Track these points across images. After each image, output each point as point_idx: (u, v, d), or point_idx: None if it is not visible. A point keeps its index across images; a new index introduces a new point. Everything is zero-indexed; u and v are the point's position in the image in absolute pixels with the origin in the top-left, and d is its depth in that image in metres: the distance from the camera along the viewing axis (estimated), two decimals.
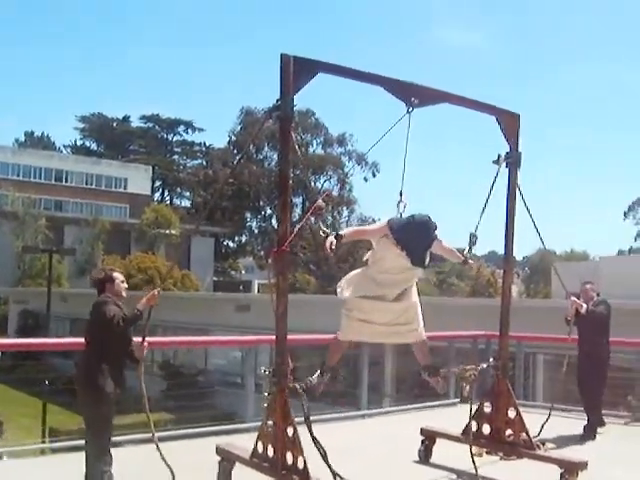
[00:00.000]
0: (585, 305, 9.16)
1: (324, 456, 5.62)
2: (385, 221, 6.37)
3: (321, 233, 6.21)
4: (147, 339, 6.26)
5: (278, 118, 5.71)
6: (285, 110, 5.68)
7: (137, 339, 6.20)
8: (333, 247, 5.97)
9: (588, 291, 9.49)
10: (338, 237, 6.01)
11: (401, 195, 6.46)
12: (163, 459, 6.07)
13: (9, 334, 48.42)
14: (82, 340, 6.24)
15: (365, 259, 6.66)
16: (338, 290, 6.61)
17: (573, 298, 9.16)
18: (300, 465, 5.58)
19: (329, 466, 5.62)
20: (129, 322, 5.88)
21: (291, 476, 5.65)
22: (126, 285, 6.23)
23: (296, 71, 5.63)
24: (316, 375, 6.34)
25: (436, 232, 6.39)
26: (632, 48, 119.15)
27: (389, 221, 6.31)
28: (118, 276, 6.16)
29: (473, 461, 6.70)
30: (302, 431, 5.66)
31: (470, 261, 6.93)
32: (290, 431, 5.67)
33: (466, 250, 6.82)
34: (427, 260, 6.43)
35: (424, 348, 6.75)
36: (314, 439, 5.67)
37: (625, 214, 77.22)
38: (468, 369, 7.09)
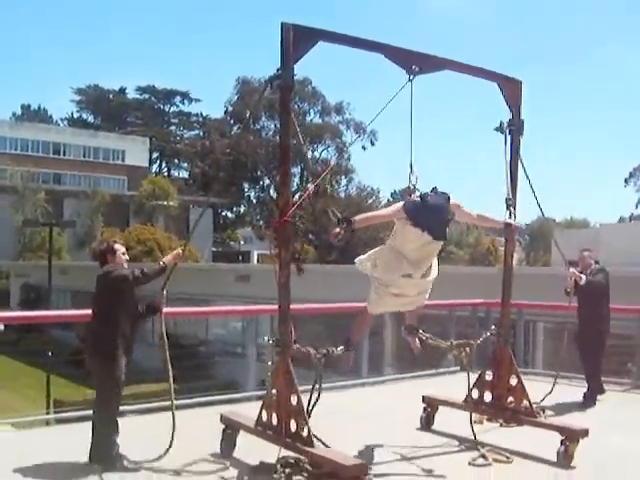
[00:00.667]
0: (584, 277, 9.18)
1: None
2: (400, 205, 6.26)
3: (332, 217, 6.08)
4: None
5: (279, 87, 5.68)
6: (286, 79, 5.64)
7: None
8: (340, 237, 5.79)
9: (586, 258, 9.51)
10: (349, 224, 5.83)
11: (411, 167, 6.47)
12: (173, 428, 6.09)
13: (11, 307, 48.62)
14: (85, 312, 6.27)
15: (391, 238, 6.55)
16: (359, 265, 6.57)
17: (572, 270, 9.17)
18: (304, 433, 5.63)
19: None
20: (153, 273, 6.00)
21: (295, 443, 5.71)
22: (127, 257, 6.26)
23: (296, 40, 5.59)
24: (340, 348, 6.35)
25: (452, 202, 6.36)
26: (633, 30, 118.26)
27: (404, 206, 6.21)
28: (119, 247, 6.21)
29: (472, 428, 6.78)
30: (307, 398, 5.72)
31: (514, 222, 6.81)
32: (294, 399, 5.72)
33: (506, 215, 6.77)
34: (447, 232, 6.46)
35: (417, 311, 6.87)
36: (310, 403, 5.80)
37: (626, 181, 77.04)
38: (461, 344, 7.12)
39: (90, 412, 6.85)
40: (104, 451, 5.87)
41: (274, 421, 5.94)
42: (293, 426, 5.74)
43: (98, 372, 6.07)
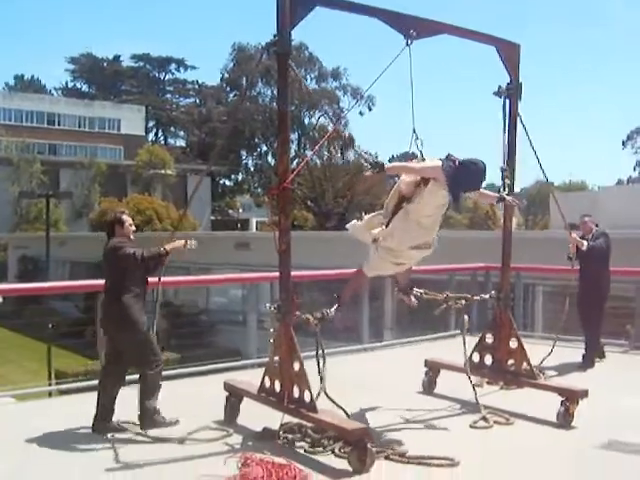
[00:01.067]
0: (585, 242, 9.22)
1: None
2: (438, 163, 6.08)
3: (364, 162, 6.05)
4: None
5: (275, 53, 5.64)
6: (283, 45, 5.60)
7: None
8: (369, 180, 5.88)
9: (587, 223, 9.56)
10: (381, 169, 5.81)
11: (414, 132, 6.40)
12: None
13: (9, 280, 48.64)
14: (86, 282, 6.31)
15: (391, 202, 6.38)
16: (353, 231, 6.51)
17: (574, 235, 9.22)
18: (307, 398, 5.68)
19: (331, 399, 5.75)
20: (151, 258, 6.02)
21: (298, 409, 5.76)
22: (134, 227, 6.29)
23: (293, 5, 5.54)
24: (334, 308, 6.36)
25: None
26: None
27: (443, 165, 6.05)
28: (127, 218, 6.25)
29: (474, 391, 6.85)
30: (309, 365, 5.77)
31: (508, 197, 6.80)
32: (296, 365, 5.76)
33: (501, 188, 6.76)
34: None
35: (410, 271, 6.86)
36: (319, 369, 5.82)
37: (624, 143, 76.92)
38: (457, 296, 7.15)
39: (91, 382, 6.92)
40: (148, 417, 6.02)
41: (277, 388, 5.99)
42: (296, 392, 5.79)
43: (129, 341, 6.14)
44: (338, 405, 5.83)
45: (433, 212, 6.18)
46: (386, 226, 6.27)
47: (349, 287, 6.69)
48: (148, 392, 6.05)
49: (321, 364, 5.88)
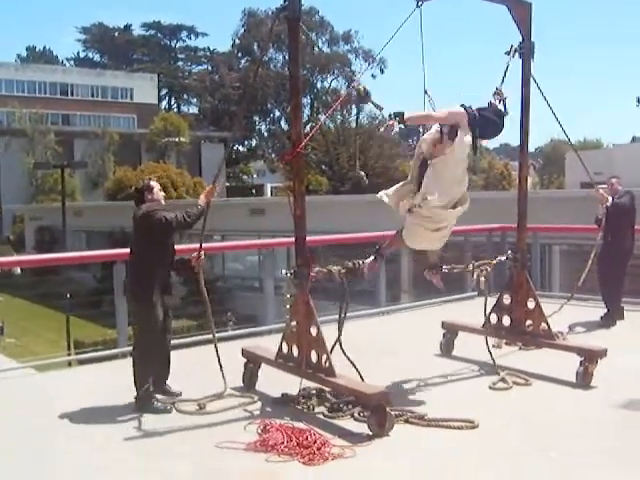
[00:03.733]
0: (610, 197, 9.17)
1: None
2: (460, 109, 6.09)
3: (379, 112, 6.04)
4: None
5: (286, 19, 5.58)
6: (293, 10, 5.55)
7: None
8: (393, 131, 5.88)
9: (615, 184, 9.49)
10: (401, 119, 5.76)
11: (426, 93, 6.36)
12: (220, 363, 6.17)
13: (27, 250, 48.98)
14: (103, 252, 6.31)
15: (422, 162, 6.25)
16: (385, 198, 6.39)
17: (601, 191, 9.15)
18: (325, 363, 5.69)
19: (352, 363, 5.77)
20: (195, 217, 5.99)
21: (316, 374, 5.78)
22: (163, 193, 6.26)
23: None
24: (370, 259, 6.38)
25: None
26: None
27: (466, 109, 6.07)
28: (155, 185, 6.21)
29: (490, 352, 6.87)
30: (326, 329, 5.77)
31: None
32: (314, 330, 5.76)
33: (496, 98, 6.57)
34: None
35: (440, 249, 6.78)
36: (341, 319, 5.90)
37: (638, 100, 75.84)
38: (480, 264, 7.13)
39: (110, 352, 6.97)
40: (137, 389, 5.97)
41: (295, 353, 6.00)
42: (314, 357, 5.80)
43: (137, 314, 6.14)
44: (354, 365, 5.85)
45: (462, 162, 6.16)
46: (417, 190, 6.18)
47: (392, 242, 6.68)
48: (136, 372, 6.00)
49: (342, 318, 5.93)
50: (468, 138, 6.01)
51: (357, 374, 5.79)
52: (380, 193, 6.45)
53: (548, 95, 6.98)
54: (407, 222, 6.30)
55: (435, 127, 6.25)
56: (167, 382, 6.19)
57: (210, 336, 8.58)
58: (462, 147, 6.04)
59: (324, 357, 5.69)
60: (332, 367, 5.65)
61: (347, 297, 5.98)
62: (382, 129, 5.84)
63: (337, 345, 5.90)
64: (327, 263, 6.29)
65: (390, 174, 60.27)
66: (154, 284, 5.95)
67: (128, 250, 6.31)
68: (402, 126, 5.89)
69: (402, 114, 5.78)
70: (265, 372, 6.45)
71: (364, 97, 5.79)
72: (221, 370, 6.11)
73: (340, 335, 5.92)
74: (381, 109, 5.97)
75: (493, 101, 6.47)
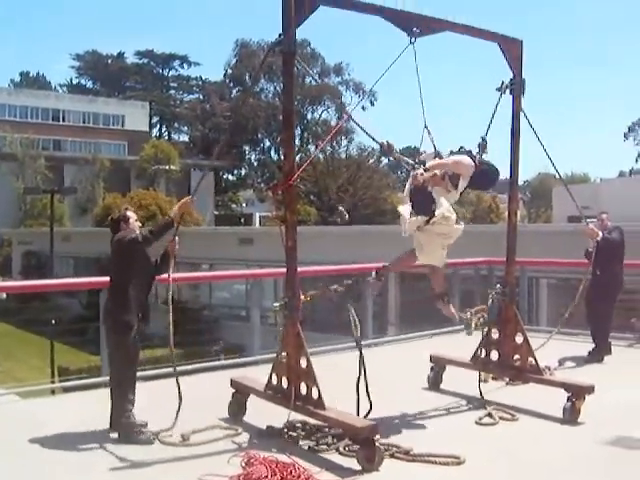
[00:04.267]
0: (600, 232, 9.23)
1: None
2: (471, 161, 6.42)
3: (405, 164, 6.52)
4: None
5: (281, 53, 5.62)
6: (288, 45, 5.60)
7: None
8: (422, 175, 6.19)
9: (605, 220, 9.56)
10: (426, 170, 6.24)
11: (427, 128, 6.54)
12: (179, 393, 6.09)
13: (13, 275, 48.70)
14: (89, 279, 6.27)
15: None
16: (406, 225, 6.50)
17: (591, 225, 9.21)
18: (315, 395, 5.66)
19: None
20: (158, 230, 5.98)
21: (305, 406, 5.74)
22: (140, 223, 6.25)
23: (298, 5, 5.54)
24: (373, 275, 6.49)
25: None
26: None
27: (474, 160, 6.42)
28: (132, 215, 6.21)
29: (480, 388, 6.85)
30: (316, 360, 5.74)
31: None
32: (303, 362, 5.74)
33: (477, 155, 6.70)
34: None
35: (441, 278, 6.90)
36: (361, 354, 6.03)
37: (625, 135, 76.82)
38: (477, 311, 7.19)
39: (94, 380, 6.90)
40: (117, 420, 5.91)
41: (284, 384, 5.97)
42: (303, 389, 5.77)
43: (111, 343, 6.10)
44: (370, 400, 5.86)
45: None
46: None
47: (400, 261, 6.86)
48: (115, 401, 5.97)
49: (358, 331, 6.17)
50: (462, 184, 6.35)
51: (346, 408, 5.75)
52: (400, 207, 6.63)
53: (536, 129, 7.06)
54: (419, 240, 6.47)
55: (431, 161, 6.39)
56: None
57: (196, 366, 8.54)
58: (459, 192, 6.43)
59: (314, 389, 5.66)
60: (321, 399, 5.61)
61: (355, 321, 6.16)
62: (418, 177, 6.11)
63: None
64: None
65: (379, 205, 60.61)
66: (131, 313, 5.93)
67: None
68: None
69: (424, 162, 6.34)
70: (252, 403, 6.40)
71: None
72: (179, 404, 6.01)
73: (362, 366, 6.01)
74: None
75: (474, 153, 6.63)
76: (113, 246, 6.06)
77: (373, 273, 6.65)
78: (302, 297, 5.86)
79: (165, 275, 6.37)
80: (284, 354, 5.96)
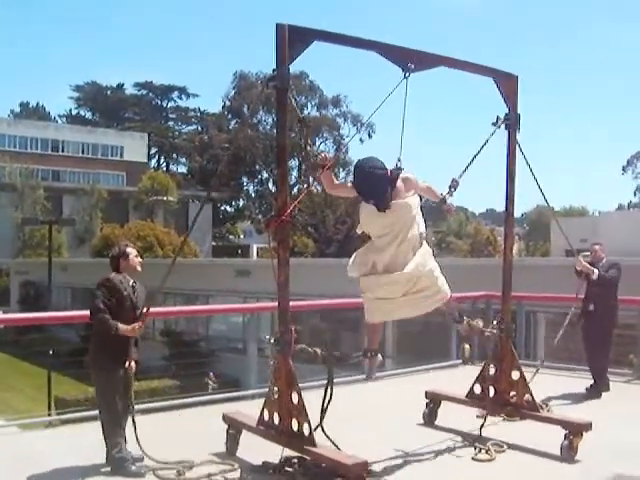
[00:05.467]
0: (596, 271, 9.19)
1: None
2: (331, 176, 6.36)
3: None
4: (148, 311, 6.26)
5: (275, 88, 5.65)
6: (282, 80, 5.61)
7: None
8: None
9: (598, 252, 9.53)
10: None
11: (399, 161, 6.37)
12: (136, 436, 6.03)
13: (11, 305, 48.62)
14: (83, 313, 6.24)
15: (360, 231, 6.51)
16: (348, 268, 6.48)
17: (584, 263, 9.18)
18: (306, 431, 5.61)
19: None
20: (103, 326, 5.83)
21: (297, 443, 5.69)
22: (140, 259, 6.22)
23: (291, 40, 5.56)
24: (359, 354, 6.40)
25: (402, 175, 6.21)
26: (633, 8, 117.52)
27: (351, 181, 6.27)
28: (131, 251, 6.17)
29: (482, 424, 6.80)
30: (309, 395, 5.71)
31: (449, 202, 6.74)
32: (295, 398, 5.70)
33: (445, 192, 6.66)
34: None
35: (450, 303, 6.68)
36: (325, 402, 5.89)
37: (624, 168, 77.14)
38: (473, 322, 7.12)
39: (92, 412, 6.85)
40: (109, 454, 5.87)
41: (276, 420, 5.93)
42: (295, 425, 5.72)
43: (95, 379, 6.06)
44: (331, 441, 5.76)
45: (374, 227, 6.26)
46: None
47: (368, 337, 6.66)
48: (106, 435, 5.92)
49: (327, 399, 5.92)
50: (364, 205, 6.24)
51: (340, 444, 5.72)
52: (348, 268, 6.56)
53: (532, 162, 7.07)
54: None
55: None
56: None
57: (192, 399, 8.49)
58: (362, 214, 6.35)
59: (305, 425, 5.62)
60: (312, 436, 5.58)
61: (331, 382, 6.01)
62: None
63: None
64: (310, 326, 6.30)
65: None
66: (113, 349, 5.88)
67: None
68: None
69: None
70: (248, 438, 6.36)
71: None
72: (138, 443, 5.95)
73: (324, 413, 5.89)
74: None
75: (445, 193, 6.65)
76: (94, 290, 5.99)
77: (363, 355, 6.49)
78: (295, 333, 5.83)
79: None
80: (275, 389, 5.92)
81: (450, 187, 6.68)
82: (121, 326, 5.83)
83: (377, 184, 6.05)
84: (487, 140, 6.91)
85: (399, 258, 6.18)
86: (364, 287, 6.33)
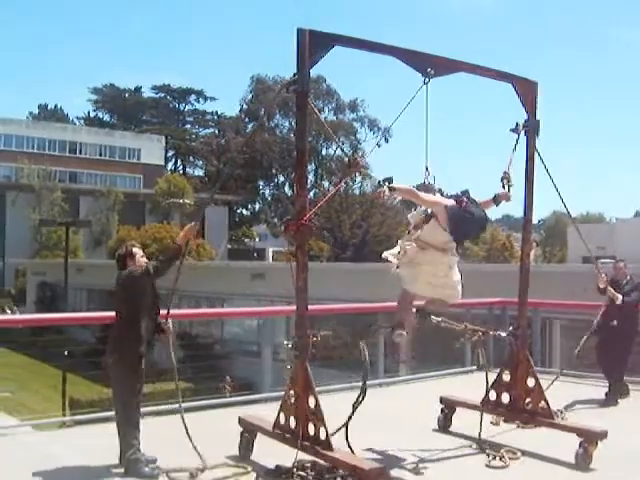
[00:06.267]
0: (620, 297, 9.16)
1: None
2: (443, 205, 6.24)
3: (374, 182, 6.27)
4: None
5: (295, 92, 5.68)
6: (302, 84, 5.65)
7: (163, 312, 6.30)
8: (385, 196, 6.09)
9: (622, 269, 9.53)
10: (391, 189, 5.92)
11: (427, 169, 6.47)
12: (187, 432, 6.09)
13: (28, 305, 48.88)
14: (101, 314, 6.28)
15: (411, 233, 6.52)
16: (390, 258, 6.55)
17: (611, 290, 9.11)
18: (322, 436, 5.62)
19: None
20: (168, 258, 6.00)
21: (313, 447, 5.70)
22: (146, 259, 6.28)
23: (312, 45, 5.59)
24: (389, 326, 6.54)
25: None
26: None
27: (447, 208, 6.20)
28: (138, 251, 6.24)
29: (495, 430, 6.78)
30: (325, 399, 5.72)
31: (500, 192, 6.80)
32: (312, 402, 5.71)
33: (506, 188, 6.75)
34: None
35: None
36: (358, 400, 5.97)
37: None
38: (474, 329, 7.11)
39: (106, 413, 6.89)
40: (124, 456, 5.90)
41: (292, 424, 5.94)
42: (311, 429, 5.73)
43: (116, 378, 6.09)
44: (349, 446, 5.76)
45: (437, 248, 6.32)
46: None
47: (401, 305, 6.69)
48: (122, 436, 5.97)
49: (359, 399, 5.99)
50: (442, 231, 6.22)
51: (356, 449, 5.72)
52: (385, 253, 6.62)
53: (550, 168, 7.04)
54: (401, 275, 6.47)
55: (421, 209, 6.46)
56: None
57: (206, 402, 8.53)
58: (432, 234, 6.30)
59: (321, 429, 5.62)
60: (329, 440, 5.58)
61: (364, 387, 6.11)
62: (377, 197, 6.11)
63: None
64: (329, 329, 6.30)
65: (392, 242, 60.63)
66: (136, 347, 5.95)
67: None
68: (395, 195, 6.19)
69: (391, 179, 5.93)
70: (262, 441, 6.37)
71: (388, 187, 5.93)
72: (191, 442, 6.02)
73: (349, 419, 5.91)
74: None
75: (501, 188, 6.69)
76: (123, 280, 6.09)
77: (390, 330, 6.55)
78: (313, 337, 5.85)
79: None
80: (292, 393, 5.94)
81: (502, 179, 6.74)
82: (179, 238, 6.09)
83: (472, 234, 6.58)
84: (515, 147, 6.93)
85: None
86: (412, 256, 6.38)
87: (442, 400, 7.75)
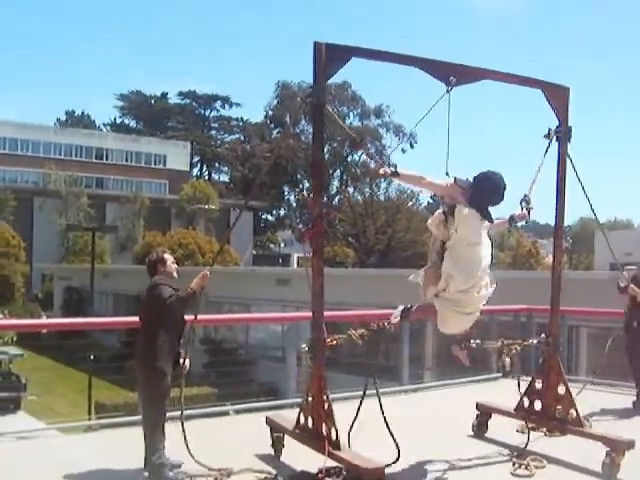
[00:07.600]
0: None
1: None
2: (450, 180, 6.04)
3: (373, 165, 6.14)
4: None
5: (311, 104, 5.67)
6: (318, 97, 5.64)
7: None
8: (383, 173, 5.82)
9: None
10: (394, 174, 5.79)
11: (447, 175, 6.30)
12: (185, 439, 6.07)
13: (54, 309, 49.33)
14: (127, 319, 6.29)
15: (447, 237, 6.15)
16: (416, 279, 6.37)
17: (636, 289, 8.95)
18: (333, 435, 5.66)
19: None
20: (184, 302, 5.96)
21: (324, 446, 5.70)
22: (176, 265, 6.29)
23: (329, 58, 5.58)
24: (397, 319, 6.33)
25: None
26: None
27: (458, 179, 6.02)
28: (169, 257, 6.27)
29: (527, 436, 6.77)
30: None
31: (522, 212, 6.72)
32: (325, 404, 5.75)
33: (524, 207, 6.67)
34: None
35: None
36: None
37: None
38: (510, 343, 7.02)
39: (131, 417, 6.92)
40: (149, 460, 5.90)
41: (310, 424, 5.99)
42: (324, 429, 5.77)
43: (145, 384, 6.09)
44: (395, 441, 5.75)
45: (474, 237, 6.04)
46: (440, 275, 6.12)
47: (422, 312, 6.55)
48: (148, 441, 5.97)
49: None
50: (469, 211, 5.94)
51: (364, 450, 5.70)
52: (411, 276, 6.44)
53: (580, 174, 6.94)
54: (437, 307, 6.19)
55: (439, 210, 6.24)
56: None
57: (231, 407, 8.52)
58: (466, 221, 5.96)
59: (332, 429, 5.68)
60: (338, 440, 5.63)
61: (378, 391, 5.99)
62: (376, 171, 5.89)
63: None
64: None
65: (418, 248, 60.44)
66: (163, 358, 5.93)
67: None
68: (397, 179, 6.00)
69: (395, 166, 5.81)
70: (291, 445, 6.36)
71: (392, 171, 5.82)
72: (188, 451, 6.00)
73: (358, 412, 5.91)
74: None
75: (520, 210, 6.61)
76: (147, 293, 6.08)
77: (398, 312, 6.38)
78: (329, 341, 5.83)
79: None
80: (309, 394, 6.01)
81: (521, 202, 6.67)
82: (194, 284, 5.98)
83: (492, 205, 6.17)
84: (545, 153, 6.84)
85: (488, 260, 6.14)
86: (465, 303, 6.10)
87: (478, 406, 7.66)
